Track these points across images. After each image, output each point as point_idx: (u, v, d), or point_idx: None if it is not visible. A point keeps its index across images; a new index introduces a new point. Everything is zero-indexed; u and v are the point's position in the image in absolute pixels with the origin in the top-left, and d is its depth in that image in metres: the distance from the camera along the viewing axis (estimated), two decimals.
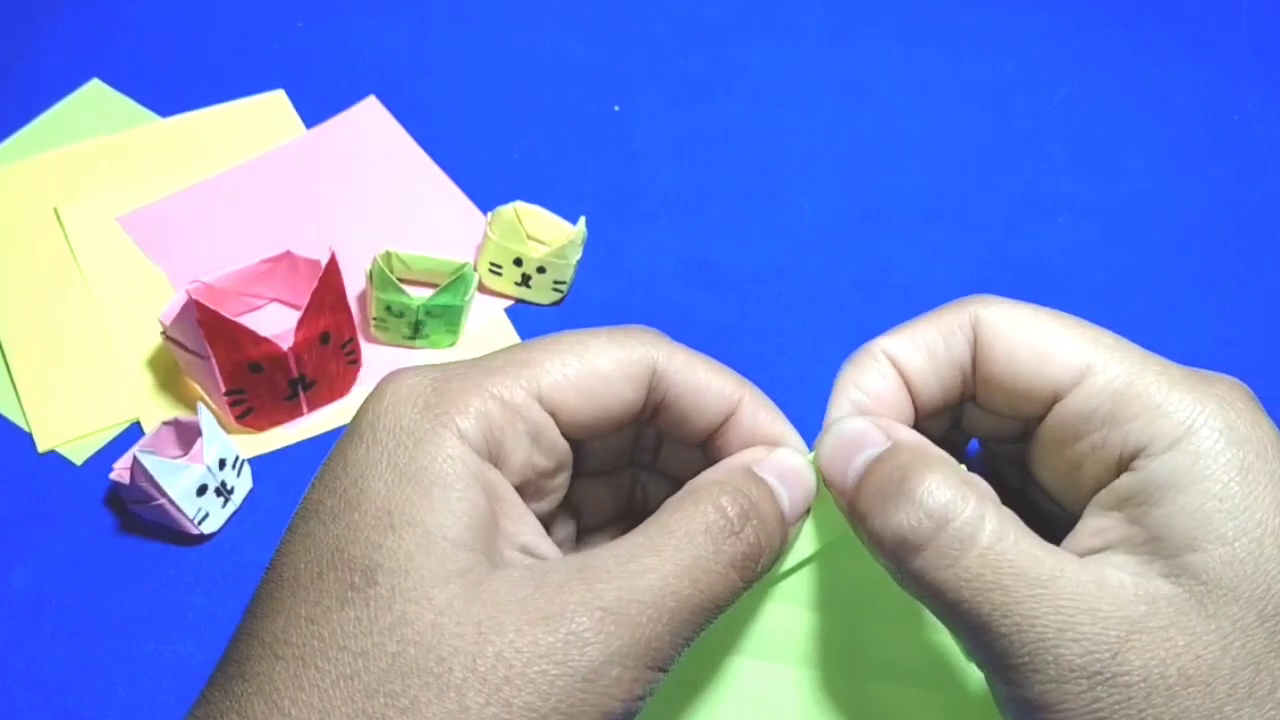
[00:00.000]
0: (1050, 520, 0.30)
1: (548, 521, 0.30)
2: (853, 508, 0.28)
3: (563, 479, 0.30)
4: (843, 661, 0.32)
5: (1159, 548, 0.26)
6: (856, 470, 0.28)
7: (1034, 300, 0.47)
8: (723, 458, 0.30)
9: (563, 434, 0.28)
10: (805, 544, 0.31)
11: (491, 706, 0.23)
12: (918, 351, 0.30)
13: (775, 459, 0.29)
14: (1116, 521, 0.27)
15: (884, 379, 0.31)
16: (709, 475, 0.29)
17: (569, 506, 0.32)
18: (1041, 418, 0.30)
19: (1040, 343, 0.29)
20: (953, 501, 0.26)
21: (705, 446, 0.31)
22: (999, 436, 0.33)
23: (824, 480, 0.30)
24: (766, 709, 0.32)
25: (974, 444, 0.35)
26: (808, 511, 0.30)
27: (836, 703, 0.31)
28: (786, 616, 0.32)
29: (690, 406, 0.29)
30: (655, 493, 0.33)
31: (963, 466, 0.28)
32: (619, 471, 0.33)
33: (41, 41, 0.54)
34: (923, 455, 0.28)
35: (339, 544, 0.25)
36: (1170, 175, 0.52)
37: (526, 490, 0.28)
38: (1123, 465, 0.28)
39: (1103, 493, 0.28)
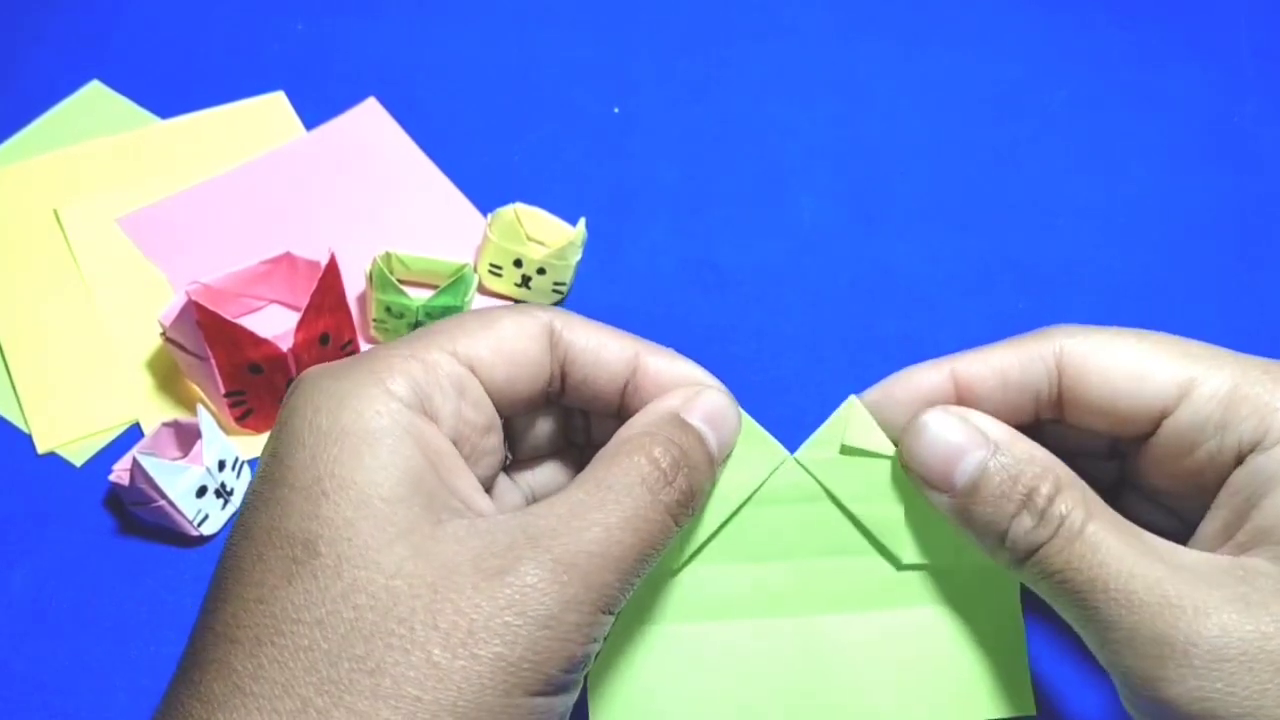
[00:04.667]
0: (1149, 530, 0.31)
1: (488, 489, 0.31)
2: (967, 512, 0.29)
3: (495, 441, 0.30)
4: (790, 605, 0.33)
5: (1265, 535, 0.27)
6: (967, 476, 0.29)
7: (1034, 301, 0.48)
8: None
9: (485, 391, 0.29)
10: (726, 503, 0.32)
11: (460, 660, 0.24)
12: (989, 372, 0.31)
13: (701, 402, 0.30)
14: (1226, 519, 0.28)
15: (927, 378, 0.31)
16: (639, 423, 0.30)
17: (516, 486, 0.33)
18: (1147, 435, 0.30)
19: (1135, 365, 0.30)
20: (1064, 504, 0.28)
21: (621, 412, 0.32)
22: (1086, 452, 0.33)
23: (922, 480, 0.31)
24: (724, 668, 0.33)
25: None
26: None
27: (794, 646, 0.33)
28: (725, 574, 0.33)
29: (591, 362, 0.31)
30: None
31: (1055, 457, 0.29)
32: (560, 455, 0.34)
33: (41, 42, 0.54)
34: (1030, 460, 0.29)
35: (273, 522, 0.25)
36: (1170, 176, 0.52)
37: (463, 449, 0.29)
38: (1239, 463, 0.28)
39: (1219, 493, 0.29)
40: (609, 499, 0.27)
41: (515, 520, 0.26)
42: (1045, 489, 0.28)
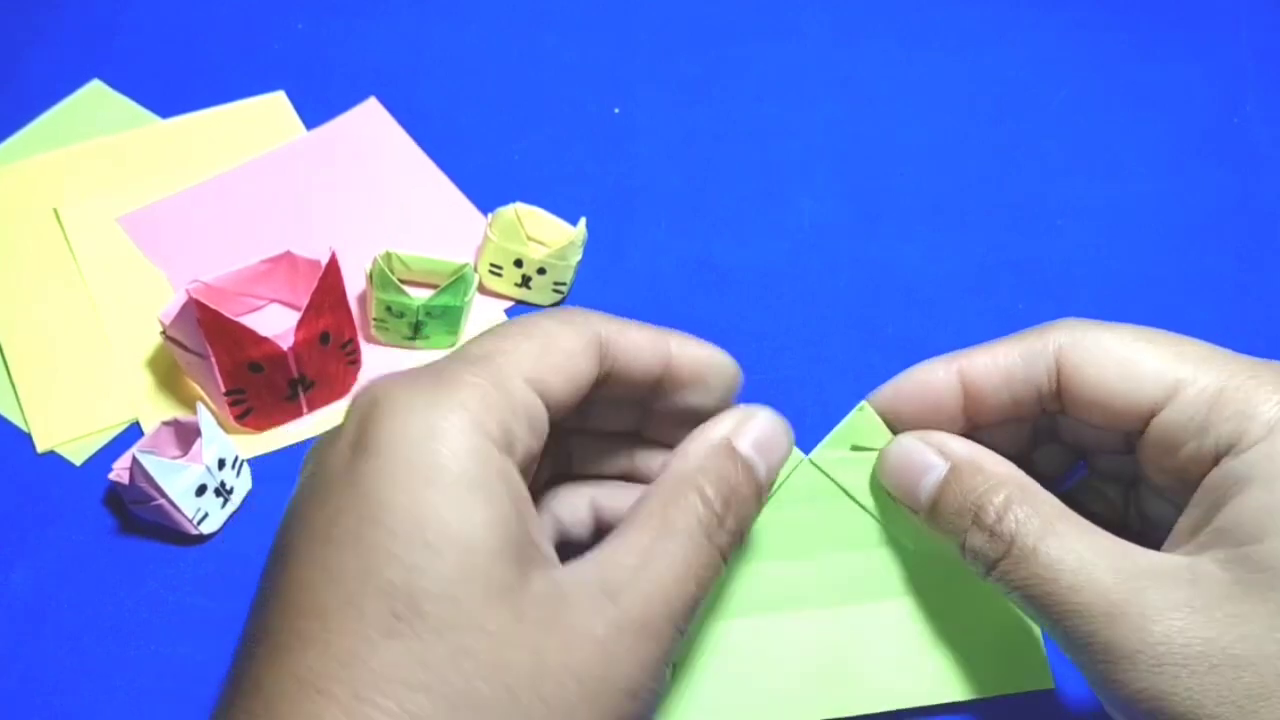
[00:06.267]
0: (1161, 526, 0.32)
1: None
2: (933, 526, 0.31)
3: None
4: (811, 598, 0.34)
5: (1225, 538, 0.27)
6: (928, 494, 0.31)
7: (1034, 301, 0.48)
8: (665, 401, 0.32)
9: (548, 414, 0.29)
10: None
11: None
12: (994, 368, 0.32)
13: (753, 427, 0.31)
14: (1196, 517, 0.29)
15: (935, 376, 0.32)
16: (692, 454, 0.30)
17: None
18: (1140, 431, 0.31)
19: (1127, 364, 0.30)
20: (1015, 520, 0.29)
21: (648, 401, 0.32)
22: (1103, 447, 0.34)
23: (893, 496, 0.33)
24: (757, 661, 0.34)
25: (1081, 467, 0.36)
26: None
27: (816, 636, 0.34)
28: (747, 572, 0.34)
29: (631, 365, 0.30)
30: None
31: (1020, 470, 0.31)
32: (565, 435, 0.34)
33: (41, 41, 0.54)
34: (983, 475, 0.30)
35: (368, 567, 0.24)
36: (1170, 176, 0.52)
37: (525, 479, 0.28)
38: (1215, 464, 0.29)
39: (1195, 493, 0.29)
40: (671, 547, 0.27)
41: (587, 575, 0.26)
42: (997, 501, 0.29)
